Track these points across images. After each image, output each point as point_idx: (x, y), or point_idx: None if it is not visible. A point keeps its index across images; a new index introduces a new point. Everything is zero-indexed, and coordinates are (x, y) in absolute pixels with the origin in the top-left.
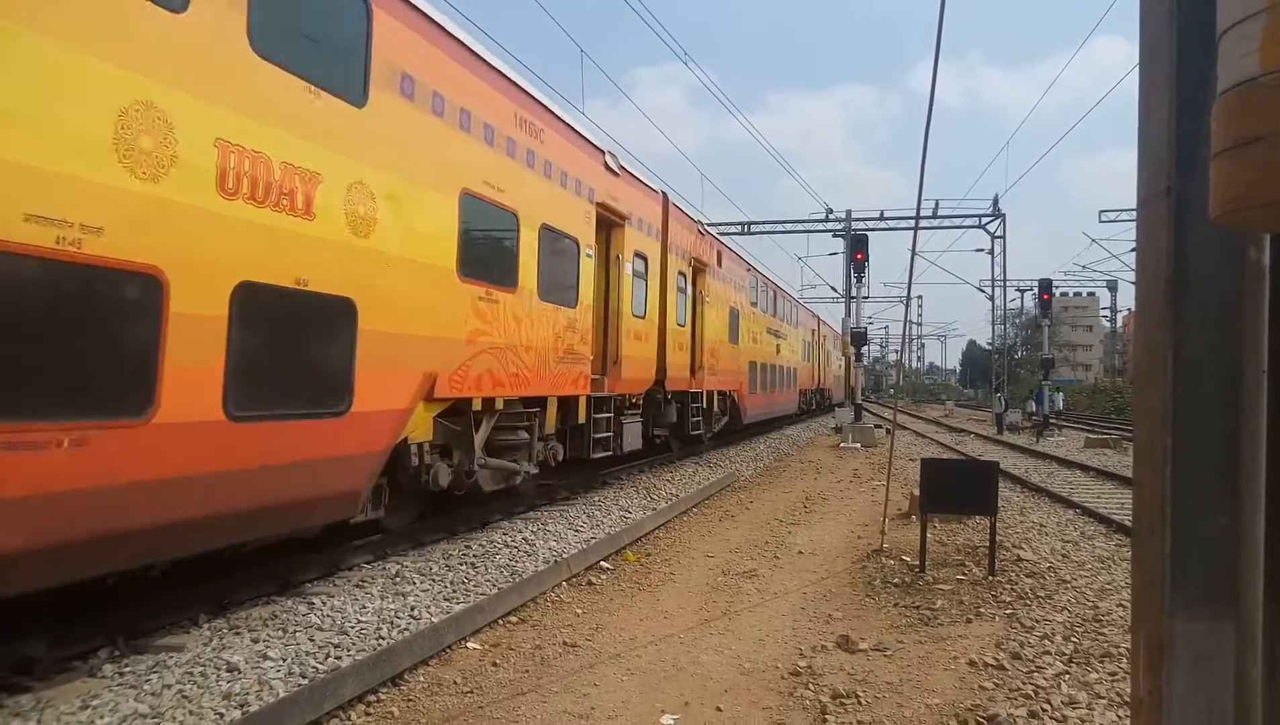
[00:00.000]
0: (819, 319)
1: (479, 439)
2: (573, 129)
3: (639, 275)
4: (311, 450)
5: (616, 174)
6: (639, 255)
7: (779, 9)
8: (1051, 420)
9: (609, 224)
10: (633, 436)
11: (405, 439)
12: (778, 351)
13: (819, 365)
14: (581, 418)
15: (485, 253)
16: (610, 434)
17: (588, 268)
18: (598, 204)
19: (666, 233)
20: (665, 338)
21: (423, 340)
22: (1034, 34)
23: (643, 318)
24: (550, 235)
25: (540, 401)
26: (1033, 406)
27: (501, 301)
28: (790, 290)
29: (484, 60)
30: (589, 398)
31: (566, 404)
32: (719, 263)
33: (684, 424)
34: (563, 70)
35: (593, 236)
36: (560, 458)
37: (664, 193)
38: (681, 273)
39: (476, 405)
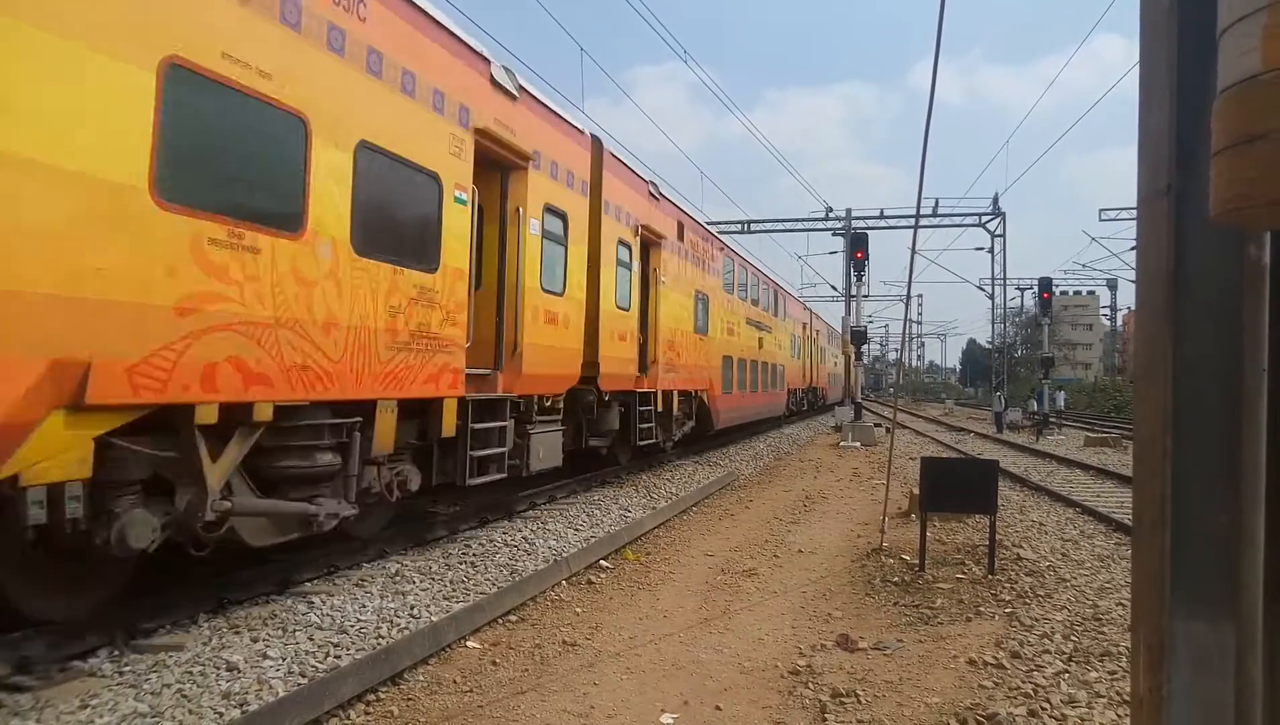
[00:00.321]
0: (812, 312)
1: (218, 469)
2: (427, 15)
3: (553, 238)
4: None
5: (513, 97)
6: (553, 212)
7: (780, 8)
8: (1052, 419)
9: (504, 165)
10: (548, 451)
11: (17, 478)
12: (760, 346)
13: (811, 362)
14: (449, 429)
15: (226, 169)
16: (504, 449)
17: (458, 218)
18: (478, 131)
19: (599, 188)
20: (598, 323)
21: (46, 303)
22: (1035, 32)
23: (560, 295)
24: (380, 161)
25: (366, 407)
26: (1034, 405)
27: (267, 251)
28: (778, 280)
29: None
30: (464, 401)
31: (425, 410)
32: (680, 236)
33: (630, 432)
34: (563, 69)
35: (468, 176)
36: (413, 486)
37: (594, 136)
38: (624, 242)
39: (206, 416)
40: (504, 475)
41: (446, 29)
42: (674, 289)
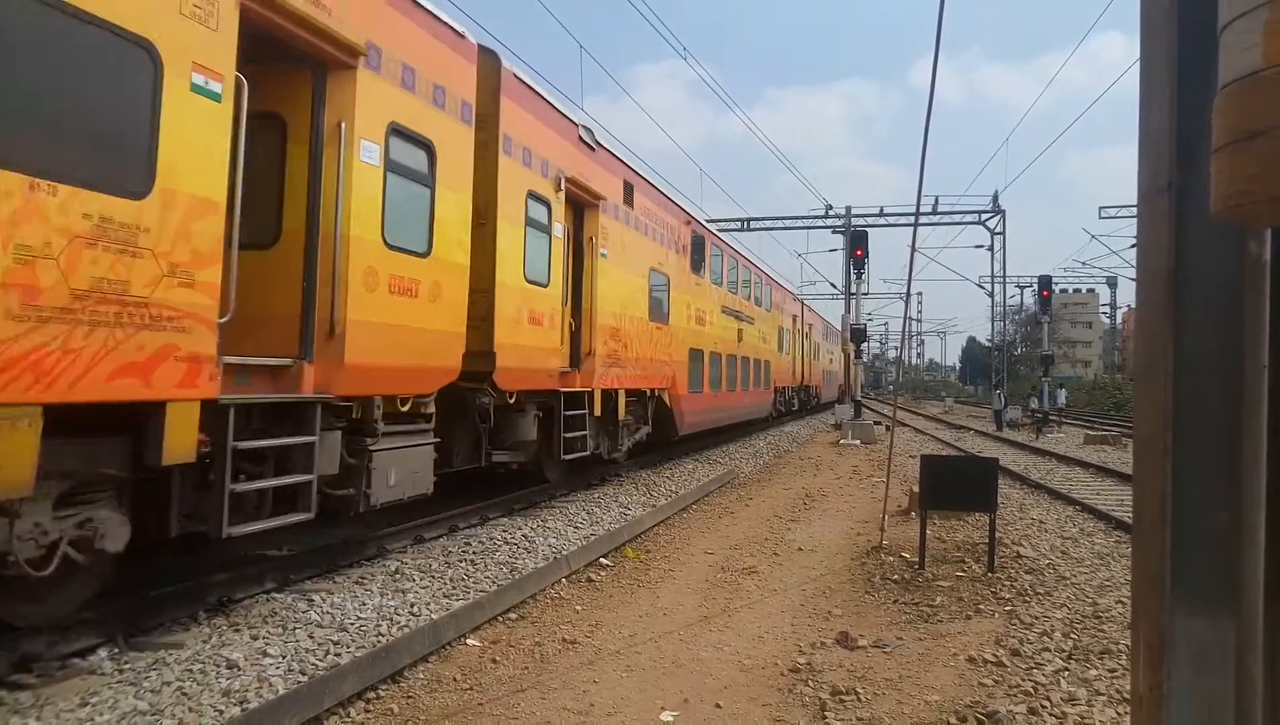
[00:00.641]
0: (804, 304)
1: None
2: None
3: (409, 175)
4: None
5: None
6: (408, 138)
7: (781, 7)
8: (1052, 417)
9: (313, 58)
10: (405, 474)
11: None
12: (740, 338)
13: (802, 358)
14: (177, 451)
15: None
16: (311, 477)
17: (198, 117)
18: None
19: (496, 118)
20: (494, 300)
21: None
22: (1034, 30)
23: (422, 256)
24: None
25: None
26: (1035, 403)
27: None
28: (766, 267)
29: None
30: (217, 405)
31: (142, 421)
32: (628, 200)
33: (553, 442)
34: (563, 66)
35: (225, 58)
36: (112, 545)
37: (485, 47)
38: (538, 197)
39: None
40: (308, 515)
41: None
42: (619, 264)
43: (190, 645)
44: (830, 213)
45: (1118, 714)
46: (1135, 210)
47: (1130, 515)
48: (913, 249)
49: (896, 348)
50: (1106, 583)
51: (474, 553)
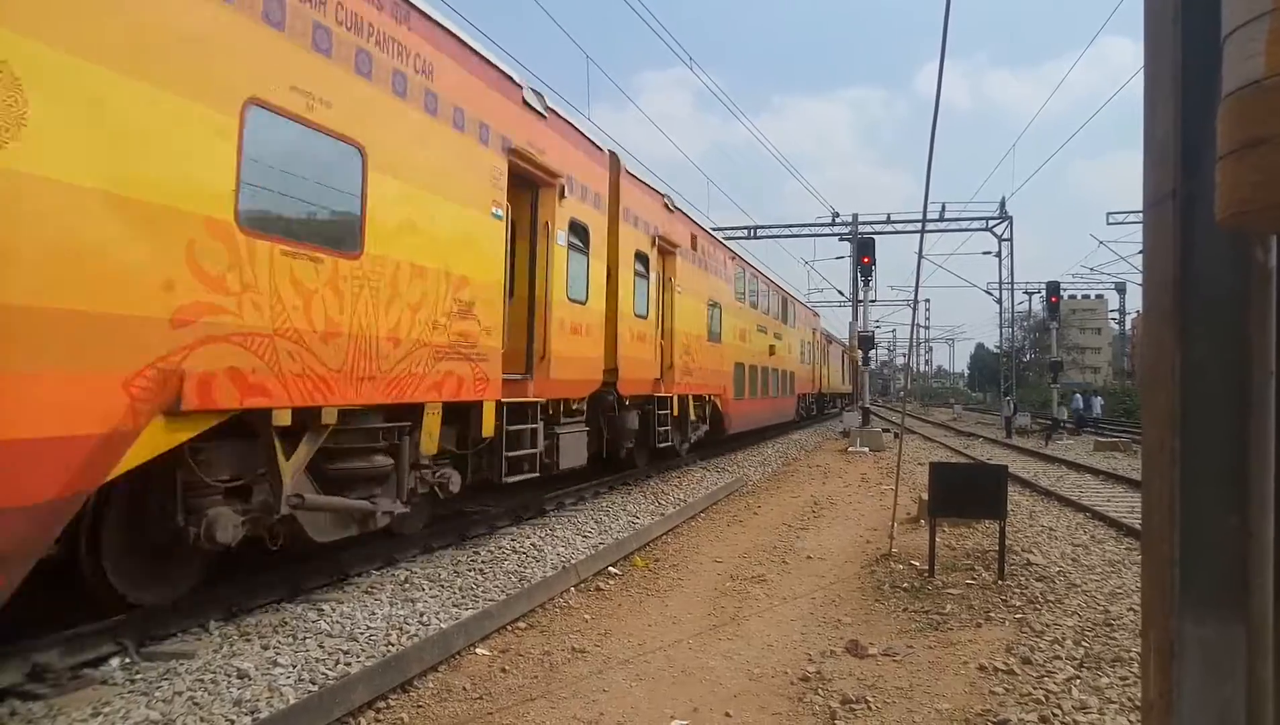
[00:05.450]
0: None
1: None
2: None
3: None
4: None
5: None
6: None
7: (785, 14)
8: (1066, 425)
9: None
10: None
11: None
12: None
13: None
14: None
15: None
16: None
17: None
18: None
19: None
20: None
21: None
22: (1042, 35)
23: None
24: None
25: None
26: (1064, 412)
27: None
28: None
29: None
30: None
31: None
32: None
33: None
34: (568, 75)
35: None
36: None
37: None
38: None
39: None
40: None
41: None
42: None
43: (201, 655)
44: (837, 220)
45: (1129, 722)
46: (1142, 216)
47: (1140, 522)
48: (920, 256)
49: (903, 354)
50: (1118, 590)
51: (483, 562)
